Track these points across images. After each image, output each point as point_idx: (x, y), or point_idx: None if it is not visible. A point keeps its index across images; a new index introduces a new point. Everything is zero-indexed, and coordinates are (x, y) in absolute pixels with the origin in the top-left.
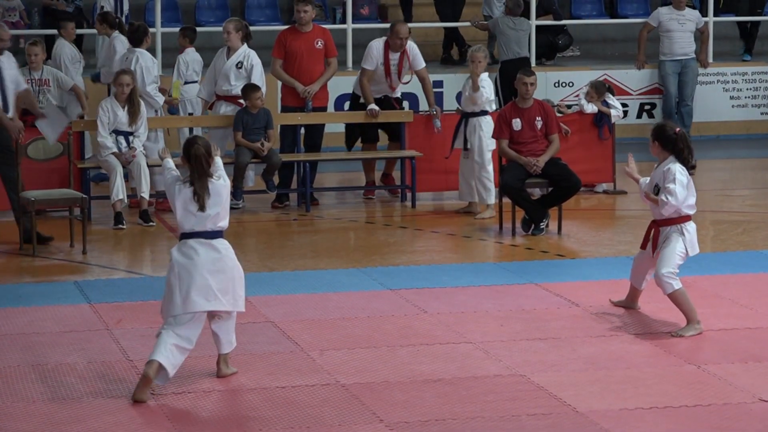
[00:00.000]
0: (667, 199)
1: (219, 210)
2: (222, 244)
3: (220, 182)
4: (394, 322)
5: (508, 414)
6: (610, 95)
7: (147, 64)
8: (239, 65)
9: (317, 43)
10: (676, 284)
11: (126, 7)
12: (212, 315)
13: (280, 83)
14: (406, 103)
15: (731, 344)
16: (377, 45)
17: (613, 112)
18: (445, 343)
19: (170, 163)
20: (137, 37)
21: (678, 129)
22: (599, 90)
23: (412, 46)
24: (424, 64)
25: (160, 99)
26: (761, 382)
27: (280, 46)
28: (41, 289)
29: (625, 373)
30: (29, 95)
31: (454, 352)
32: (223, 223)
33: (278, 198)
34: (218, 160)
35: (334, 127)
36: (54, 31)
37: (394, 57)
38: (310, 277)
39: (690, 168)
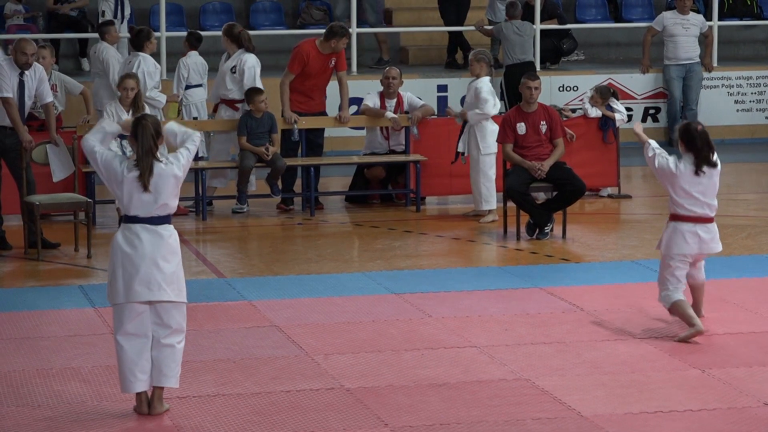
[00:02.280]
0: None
1: (166, 197)
2: (168, 230)
3: (170, 167)
4: (399, 327)
5: (513, 418)
6: (615, 99)
7: (149, 69)
8: (233, 70)
9: (331, 63)
10: (668, 303)
11: (127, 12)
12: (155, 339)
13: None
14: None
15: (736, 348)
16: (373, 96)
17: (617, 116)
18: (450, 348)
19: (112, 127)
20: (138, 41)
21: (699, 127)
22: (604, 95)
23: (407, 95)
24: (421, 103)
25: (162, 98)
26: (766, 387)
27: (300, 62)
28: (46, 293)
29: (630, 377)
30: (49, 111)
31: (459, 356)
32: (170, 209)
33: (284, 200)
34: (189, 148)
35: (337, 131)
36: (58, 36)
37: (390, 104)
38: (314, 281)
39: (711, 165)
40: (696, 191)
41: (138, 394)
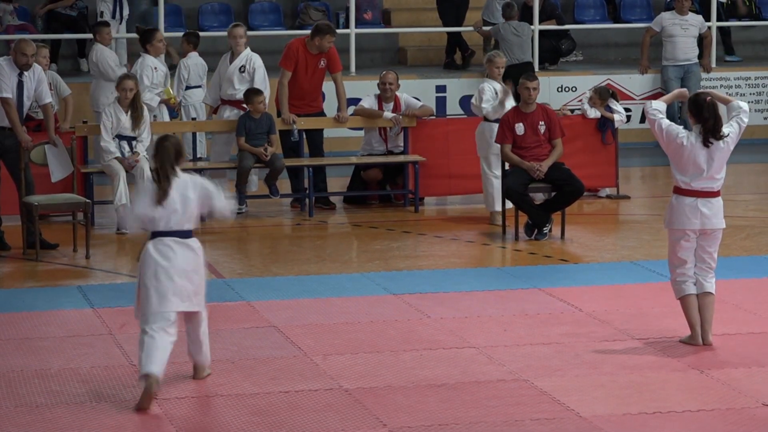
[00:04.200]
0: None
1: (191, 208)
2: (196, 243)
3: (192, 182)
4: (398, 327)
5: (512, 419)
6: (614, 100)
7: (144, 72)
8: (242, 69)
9: (321, 63)
10: (678, 293)
11: (126, 12)
12: (188, 319)
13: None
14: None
15: (735, 349)
16: (370, 98)
17: (616, 117)
18: (449, 348)
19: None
20: (141, 42)
21: (708, 98)
22: (602, 96)
23: (403, 96)
24: (420, 104)
25: (155, 101)
26: (765, 387)
27: (292, 60)
28: (44, 293)
29: (629, 378)
30: (47, 112)
31: (458, 356)
32: (193, 223)
33: (296, 198)
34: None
35: (336, 132)
36: (59, 36)
37: (388, 107)
38: (313, 281)
39: (718, 137)
40: (702, 164)
41: (145, 390)
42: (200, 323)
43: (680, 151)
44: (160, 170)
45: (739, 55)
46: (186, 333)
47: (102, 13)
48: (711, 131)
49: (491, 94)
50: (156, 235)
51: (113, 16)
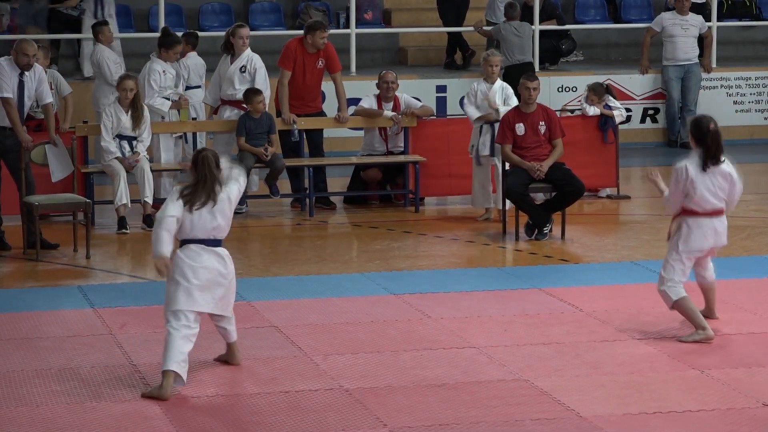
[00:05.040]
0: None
1: (223, 221)
2: (224, 252)
3: (225, 194)
4: (398, 327)
5: (512, 419)
6: (611, 97)
7: (152, 77)
8: (243, 69)
9: (319, 63)
10: (674, 295)
11: (112, 10)
12: (217, 319)
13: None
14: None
15: (735, 349)
16: (370, 98)
17: (615, 112)
18: (449, 348)
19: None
20: (158, 42)
21: (711, 125)
22: (598, 92)
23: (403, 96)
24: (420, 104)
25: (166, 105)
26: (765, 387)
27: (290, 59)
28: (45, 293)
29: (629, 378)
30: (48, 111)
31: (458, 356)
32: (225, 233)
33: (297, 198)
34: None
35: (336, 132)
36: (59, 36)
37: (387, 107)
38: (313, 281)
39: (716, 163)
40: (709, 186)
41: (161, 385)
42: (230, 320)
43: (693, 180)
44: (203, 182)
45: (740, 55)
46: (216, 327)
47: (84, 11)
48: (711, 158)
49: (472, 93)
50: (185, 243)
51: (95, 15)
